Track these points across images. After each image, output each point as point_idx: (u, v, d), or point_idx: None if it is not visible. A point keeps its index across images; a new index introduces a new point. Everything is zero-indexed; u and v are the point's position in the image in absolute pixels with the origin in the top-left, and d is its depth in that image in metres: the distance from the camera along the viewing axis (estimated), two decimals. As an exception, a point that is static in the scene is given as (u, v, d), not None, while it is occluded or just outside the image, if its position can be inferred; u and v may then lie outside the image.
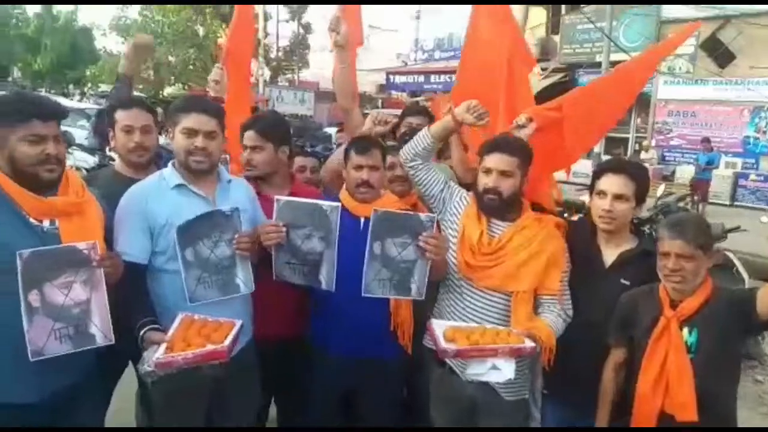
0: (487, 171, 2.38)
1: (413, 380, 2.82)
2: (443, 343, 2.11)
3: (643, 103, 17.79)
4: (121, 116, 2.66)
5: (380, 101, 22.87)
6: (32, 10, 40.60)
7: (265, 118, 2.89)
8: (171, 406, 2.27)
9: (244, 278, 2.26)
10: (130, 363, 2.62)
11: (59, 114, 2.00)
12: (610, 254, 2.43)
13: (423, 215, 2.28)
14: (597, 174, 2.46)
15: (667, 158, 17.87)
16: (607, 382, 2.31)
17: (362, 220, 2.46)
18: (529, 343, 2.11)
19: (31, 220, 1.92)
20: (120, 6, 22.24)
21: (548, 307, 2.36)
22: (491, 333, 2.16)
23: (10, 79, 39.90)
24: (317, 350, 2.59)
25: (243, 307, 2.35)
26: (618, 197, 2.36)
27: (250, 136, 2.72)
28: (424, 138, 2.54)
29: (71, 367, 1.94)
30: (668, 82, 17.66)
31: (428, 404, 2.59)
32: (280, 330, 2.63)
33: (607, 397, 2.30)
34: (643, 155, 15.97)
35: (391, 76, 22.89)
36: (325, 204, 2.29)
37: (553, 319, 2.30)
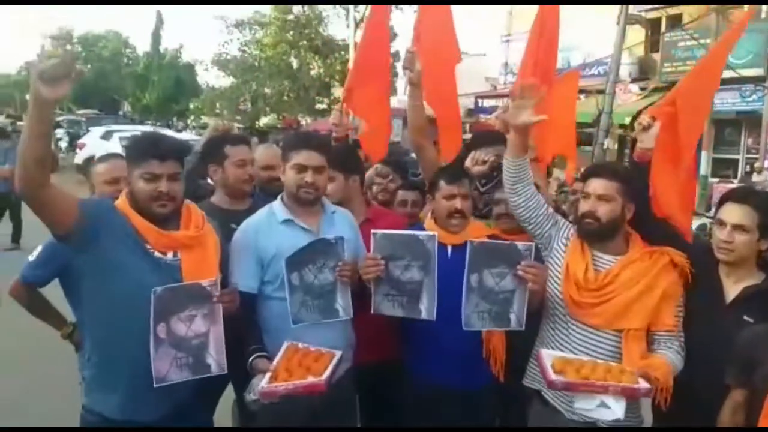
0: (586, 196, 2.33)
1: (507, 410, 2.76)
2: (552, 375, 2.05)
3: (753, 122, 16.61)
4: (234, 152, 2.91)
5: (468, 125, 22.89)
6: (142, 49, 44.13)
7: (335, 150, 2.96)
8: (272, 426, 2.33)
9: (343, 304, 2.32)
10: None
11: (176, 153, 2.10)
12: (732, 289, 2.28)
13: (520, 244, 2.25)
14: (720, 202, 2.35)
15: (783, 181, 16.53)
16: (724, 424, 2.14)
17: (449, 248, 2.47)
18: (643, 384, 2.01)
19: (156, 253, 2.05)
20: (221, 42, 23.71)
21: (665, 344, 2.23)
22: (602, 368, 2.08)
23: (120, 113, 43.29)
24: (407, 375, 2.60)
25: (344, 334, 2.41)
26: (737, 227, 2.22)
27: None
28: (506, 164, 2.40)
29: (183, 389, 2.05)
30: (781, 100, 16.40)
31: None
32: (371, 356, 2.63)
33: None
34: (755, 177, 14.85)
35: (480, 100, 22.72)
36: (422, 234, 2.34)
37: (671, 355, 2.18)
